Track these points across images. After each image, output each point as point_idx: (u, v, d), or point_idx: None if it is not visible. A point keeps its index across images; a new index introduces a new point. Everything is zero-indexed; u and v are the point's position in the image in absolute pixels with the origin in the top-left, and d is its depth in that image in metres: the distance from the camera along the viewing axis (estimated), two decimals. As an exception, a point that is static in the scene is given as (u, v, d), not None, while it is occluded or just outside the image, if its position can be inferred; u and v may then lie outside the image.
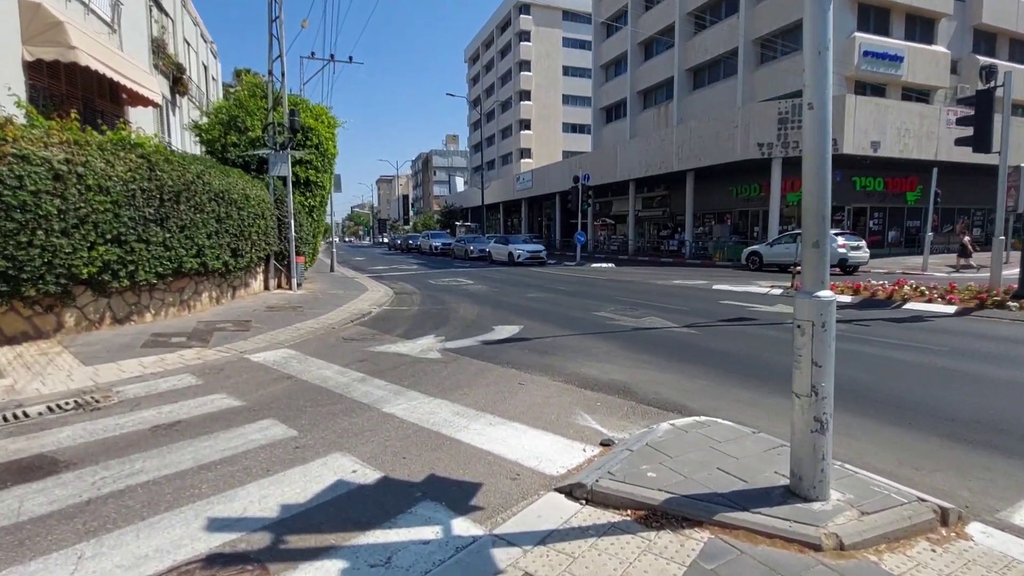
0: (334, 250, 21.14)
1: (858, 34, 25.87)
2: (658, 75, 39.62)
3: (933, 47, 28.07)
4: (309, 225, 14.05)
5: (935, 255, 27.58)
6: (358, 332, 8.14)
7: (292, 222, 12.05)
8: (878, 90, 27.34)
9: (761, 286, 13.54)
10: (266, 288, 12.33)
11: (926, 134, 25.29)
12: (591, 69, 69.93)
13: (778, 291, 12.39)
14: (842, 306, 10.41)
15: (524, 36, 66.92)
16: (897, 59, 26.73)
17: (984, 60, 29.72)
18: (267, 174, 12.22)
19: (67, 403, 4.69)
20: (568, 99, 69.91)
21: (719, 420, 3.81)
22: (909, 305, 9.84)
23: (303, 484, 3.12)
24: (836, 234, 19.09)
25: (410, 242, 46.31)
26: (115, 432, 4.00)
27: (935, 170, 21.02)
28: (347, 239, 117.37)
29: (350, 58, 18.24)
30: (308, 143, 13.51)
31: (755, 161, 25.91)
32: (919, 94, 28.59)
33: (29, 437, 3.90)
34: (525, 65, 67.59)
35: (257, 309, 9.72)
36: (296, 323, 8.47)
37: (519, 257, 25.38)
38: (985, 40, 30.02)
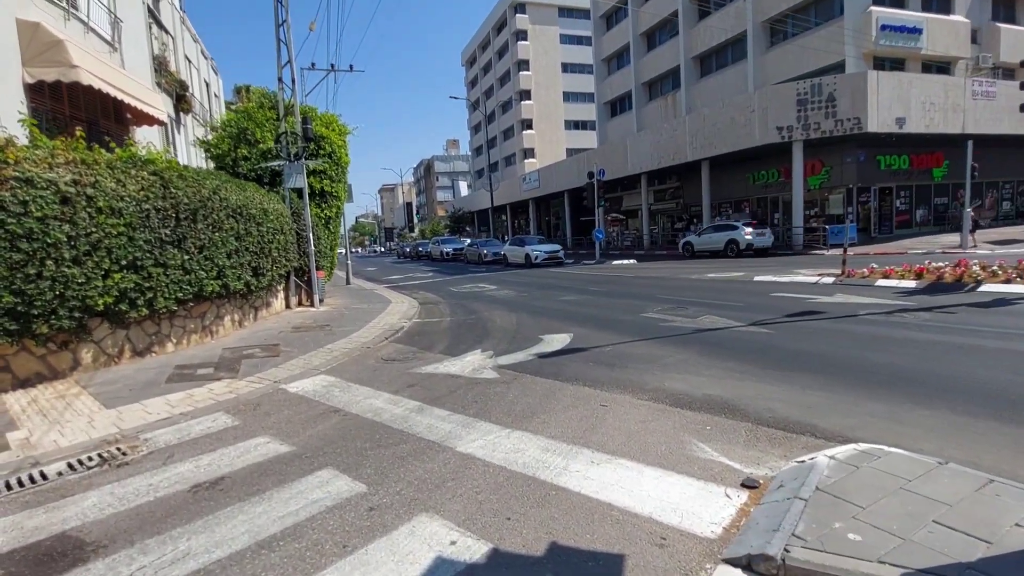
0: (349, 262, 20.57)
1: (874, 8, 24.97)
2: (663, 65, 38.86)
3: (952, 17, 27.13)
4: (327, 238, 13.46)
5: (961, 233, 26.54)
6: (396, 351, 7.49)
7: (311, 235, 11.44)
8: (897, 64, 26.43)
9: (807, 275, 12.77)
10: (287, 307, 11.73)
11: (952, 107, 24.37)
12: (591, 65, 69.18)
13: (830, 280, 11.61)
14: (909, 291, 9.66)
15: (521, 35, 66.36)
16: (916, 31, 25.82)
17: (1006, 27, 28.77)
18: (281, 187, 11.63)
19: (90, 458, 4.07)
20: (569, 96, 69.29)
21: (886, 448, 3.11)
22: (985, 287, 9.05)
23: (394, 566, 2.45)
24: (744, 224, 23.63)
25: (420, 249, 45.78)
26: (149, 496, 3.37)
27: (970, 143, 20.14)
28: (354, 250, 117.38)
29: (351, 67, 17.70)
30: (321, 152, 12.92)
31: (773, 146, 25.10)
32: (939, 66, 27.65)
33: (49, 509, 3.27)
34: (523, 65, 67.02)
35: (283, 331, 9.09)
36: (327, 344, 7.84)
37: (536, 258, 24.71)
38: (1004, 6, 29.02)
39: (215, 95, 28.39)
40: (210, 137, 13.80)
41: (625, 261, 23.74)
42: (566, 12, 68.00)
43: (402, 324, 9.58)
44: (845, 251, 12.06)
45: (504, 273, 22.18)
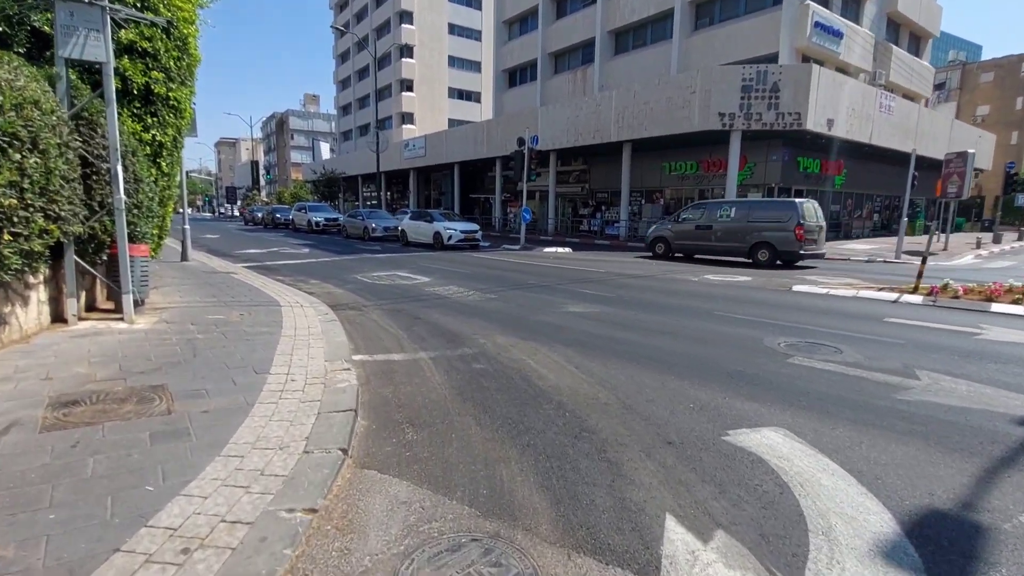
0: (187, 226, 13.64)
1: (811, 3, 24.14)
2: (575, 36, 35.63)
3: (861, 28, 27.72)
4: (153, 180, 7.25)
5: (858, 240, 27.69)
6: (428, 539, 2.48)
7: (120, 170, 5.45)
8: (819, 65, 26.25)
9: (864, 290, 10.02)
10: (60, 320, 5.59)
11: (865, 116, 24.60)
12: (479, 30, 64.33)
13: (916, 299, 8.84)
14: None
15: (405, -19, 58.81)
16: (839, 35, 25.71)
17: (896, 49, 30.49)
18: (54, 62, 5.42)
19: None
20: (454, 61, 63.69)
21: None
22: None
23: None
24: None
25: (277, 216, 37.38)
26: None
27: (914, 151, 19.87)
28: (178, 210, 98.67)
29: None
30: (147, 10, 6.69)
31: (699, 135, 23.19)
32: (847, 74, 28.24)
33: None
34: (406, 16, 59.72)
35: (18, 420, 3.34)
36: (168, 497, 2.50)
37: (450, 239, 19.74)
38: (893, 29, 30.75)
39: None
40: None
41: (558, 249, 19.90)
42: (456, -33, 61.89)
43: (341, 377, 4.36)
44: (924, 263, 9.42)
45: (415, 256, 16.92)
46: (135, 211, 6.21)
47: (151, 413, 3.31)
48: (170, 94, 7.27)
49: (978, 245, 23.68)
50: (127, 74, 6.55)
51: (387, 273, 12.31)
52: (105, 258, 5.97)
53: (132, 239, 6.17)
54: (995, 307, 8.12)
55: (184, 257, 13.27)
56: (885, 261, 18.21)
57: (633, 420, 3.72)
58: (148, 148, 7.10)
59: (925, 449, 3.33)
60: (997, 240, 26.56)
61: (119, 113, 6.56)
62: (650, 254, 18.01)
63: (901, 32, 31.33)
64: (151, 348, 4.81)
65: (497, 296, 9.21)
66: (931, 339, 6.34)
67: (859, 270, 14.75)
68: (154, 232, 7.67)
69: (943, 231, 24.65)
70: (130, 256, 5.89)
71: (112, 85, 5.28)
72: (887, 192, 32.52)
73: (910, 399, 4.24)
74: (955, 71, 54.91)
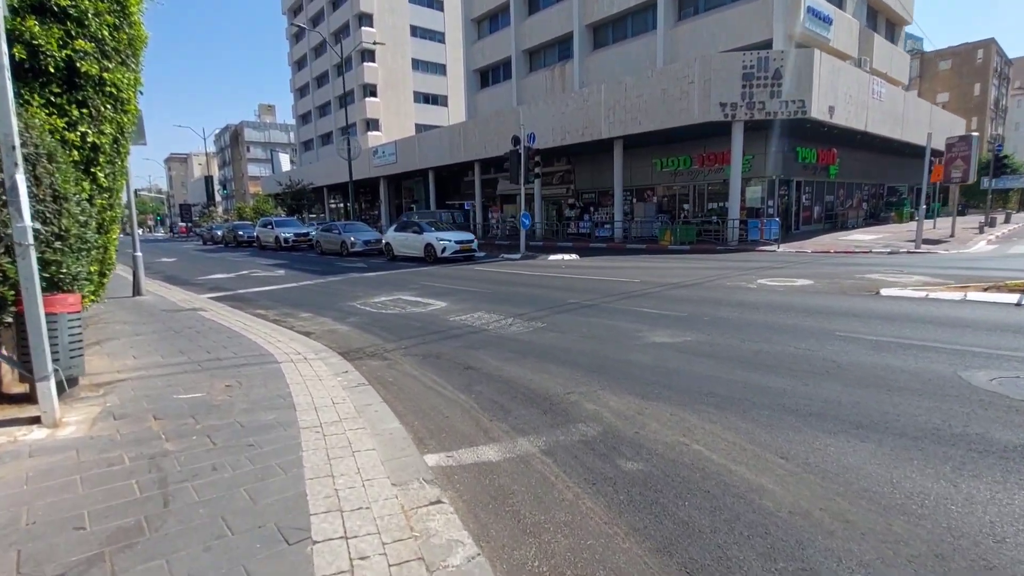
0: (139, 253, 11.26)
1: (802, -14, 23.24)
2: (551, 31, 34.08)
3: (846, 14, 27.11)
4: (88, 198, 5.12)
5: (857, 231, 26.82)
6: None
7: (22, 181, 3.38)
8: (809, 54, 25.41)
9: (930, 286, 8.60)
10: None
11: (860, 103, 23.84)
12: (442, 32, 62.35)
13: (1046, 300, 7.46)
14: None
15: (363, -17, 56.37)
16: (829, 21, 24.92)
17: (877, 37, 30.11)
18: None
19: None
20: (418, 64, 61.45)
21: None
22: None
23: None
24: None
25: (239, 233, 34.44)
26: None
27: (928, 134, 18.98)
28: (127, 232, 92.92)
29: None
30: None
31: (693, 127, 21.93)
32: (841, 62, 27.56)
33: None
34: (366, 19, 57.27)
35: None
36: None
37: (444, 251, 17.75)
38: (872, 15, 30.38)
39: None
40: None
41: (564, 256, 18.16)
42: (415, -34, 59.80)
43: (436, 527, 2.45)
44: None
45: (409, 272, 14.87)
46: (57, 244, 4.10)
47: None
48: (105, 76, 5.15)
49: (981, 230, 23.19)
50: (37, 43, 4.44)
51: (390, 298, 10.30)
52: (9, 320, 3.86)
53: (55, 286, 4.07)
54: None
55: (137, 291, 10.92)
56: (909, 252, 17.22)
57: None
58: (76, 152, 4.97)
59: None
60: (991, 224, 26.33)
61: (28, 101, 4.46)
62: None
63: (879, 19, 31.03)
64: (86, 490, 2.76)
65: (546, 324, 7.37)
66: None
67: (902, 264, 13.52)
68: (93, 270, 5.51)
69: (933, 216, 24.07)
70: (50, 314, 3.81)
71: (2, 41, 3.20)
72: (873, 180, 32.18)
73: None
74: (915, 59, 56.01)
